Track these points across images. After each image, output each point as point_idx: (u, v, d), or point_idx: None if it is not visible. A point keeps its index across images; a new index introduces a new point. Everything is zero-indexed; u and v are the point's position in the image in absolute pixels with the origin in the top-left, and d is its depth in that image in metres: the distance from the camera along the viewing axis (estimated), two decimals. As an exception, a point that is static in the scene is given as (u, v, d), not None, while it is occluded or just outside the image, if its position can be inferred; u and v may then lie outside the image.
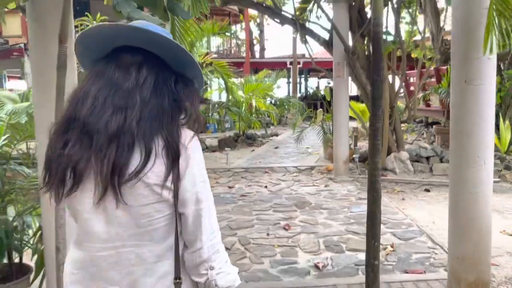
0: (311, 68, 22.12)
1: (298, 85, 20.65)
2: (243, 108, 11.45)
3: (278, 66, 17.64)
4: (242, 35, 18.98)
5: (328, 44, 7.47)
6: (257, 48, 21.22)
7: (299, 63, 18.70)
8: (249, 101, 11.57)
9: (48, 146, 1.01)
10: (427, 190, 6.56)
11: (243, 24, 19.67)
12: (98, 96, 0.97)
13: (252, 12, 21.77)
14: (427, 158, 7.46)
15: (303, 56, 19.28)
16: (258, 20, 19.43)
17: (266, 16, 21.54)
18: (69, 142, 0.96)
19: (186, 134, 1.01)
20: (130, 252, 0.99)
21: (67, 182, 0.97)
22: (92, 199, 0.97)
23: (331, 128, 8.43)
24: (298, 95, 19.87)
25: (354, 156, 7.45)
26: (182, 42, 9.64)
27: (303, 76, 23.30)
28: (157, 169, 0.95)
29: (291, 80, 20.09)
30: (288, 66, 18.38)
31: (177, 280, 1.02)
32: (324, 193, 6.35)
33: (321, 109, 8.48)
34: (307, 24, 7.64)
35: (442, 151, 7.47)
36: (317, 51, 24.49)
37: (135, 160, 0.94)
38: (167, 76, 1.04)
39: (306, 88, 24.50)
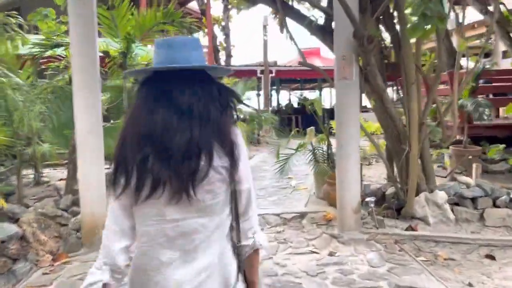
0: (282, 78, 19.76)
1: (270, 97, 18.19)
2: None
3: (246, 75, 15.12)
4: (205, 41, 16.41)
5: (324, 31, 5.01)
6: (222, 55, 18.64)
7: (271, 72, 16.27)
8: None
9: (122, 153, 1.25)
10: (490, 257, 4.11)
11: (206, 28, 17.15)
12: (166, 117, 1.22)
13: (216, 13, 19.26)
14: (473, 199, 5.04)
15: (275, 64, 16.88)
16: (223, 23, 16.94)
17: (231, 18, 19.14)
18: (149, 157, 1.21)
19: (235, 131, 1.32)
20: (195, 222, 1.26)
21: (146, 188, 1.22)
22: (165, 203, 1.24)
23: (327, 155, 5.90)
24: (270, 108, 17.45)
25: (368, 199, 4.92)
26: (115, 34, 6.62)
27: (274, 87, 20.90)
28: (220, 158, 1.25)
29: (261, 92, 17.64)
30: (259, 75, 15.90)
31: (238, 243, 1.37)
32: (331, 270, 3.78)
33: (312, 128, 5.84)
34: (291, 2, 5.14)
35: (493, 188, 5.06)
36: (290, 59, 22.32)
37: (203, 162, 1.21)
38: (213, 88, 1.31)
39: (278, 101, 22.10)
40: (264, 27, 15.22)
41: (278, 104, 21.87)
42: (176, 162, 1.20)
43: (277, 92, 21.95)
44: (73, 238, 4.41)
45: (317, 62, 19.21)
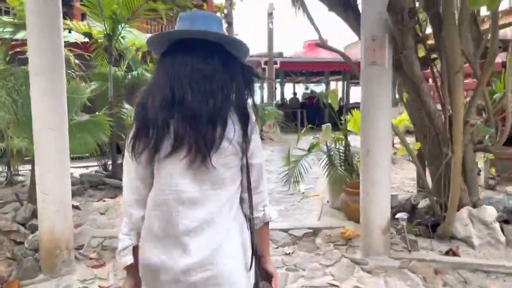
0: (288, 71, 18.78)
1: (274, 90, 17.24)
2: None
3: (250, 66, 14.16)
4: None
5: (346, 6, 4.05)
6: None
7: (275, 63, 15.29)
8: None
9: (143, 115, 1.27)
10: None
11: (208, 15, 16.21)
12: (191, 82, 1.25)
13: (218, 0, 18.23)
14: (526, 216, 4.10)
15: (280, 55, 15.88)
16: (225, 11, 15.94)
17: (235, 6, 18.10)
18: (173, 117, 1.24)
19: (250, 110, 1.33)
20: (210, 194, 1.29)
21: (166, 148, 1.25)
22: (184, 162, 1.26)
23: (345, 157, 4.96)
24: (274, 102, 16.48)
25: (399, 215, 3.98)
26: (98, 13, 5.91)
27: (278, 80, 19.91)
28: (235, 131, 1.28)
29: (265, 84, 16.67)
30: (263, 66, 14.92)
31: (251, 216, 1.39)
32: (358, 315, 2.86)
33: (328, 124, 4.87)
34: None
35: (552, 203, 4.11)
36: (297, 51, 21.31)
37: (219, 130, 1.24)
38: (232, 62, 1.34)
39: (282, 94, 21.12)
40: (270, 14, 14.22)
41: (283, 97, 20.88)
42: (198, 123, 1.23)
43: (282, 85, 20.97)
44: (30, 260, 3.50)
45: (323, 55, 18.24)
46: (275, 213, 1.46)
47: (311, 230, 4.32)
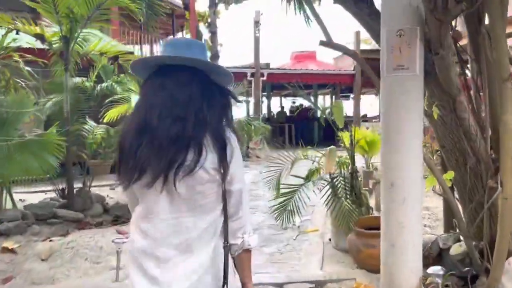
0: (275, 83, 17.92)
1: (260, 104, 16.31)
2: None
3: (235, 78, 13.19)
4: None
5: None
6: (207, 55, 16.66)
7: (262, 75, 14.40)
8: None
9: (123, 143, 1.31)
10: None
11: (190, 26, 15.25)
12: (162, 109, 1.26)
13: (201, 8, 17.34)
14: None
15: (267, 66, 15.00)
16: (209, 19, 15.02)
17: (219, 14, 17.22)
18: (142, 145, 1.25)
19: (229, 132, 1.33)
20: (188, 221, 1.29)
21: (136, 174, 1.26)
22: (154, 188, 1.26)
23: (351, 187, 3.99)
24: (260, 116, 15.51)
25: (432, 270, 3.00)
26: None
27: (265, 93, 19.01)
28: (210, 158, 1.26)
29: (250, 98, 15.72)
30: (249, 78, 14.00)
31: (226, 244, 1.35)
32: None
33: (333, 147, 3.86)
34: None
35: None
36: (284, 63, 20.47)
37: (190, 156, 1.23)
38: (211, 88, 1.34)
39: (269, 108, 20.22)
40: (256, 22, 13.38)
41: (270, 111, 19.98)
42: (161, 148, 1.23)
43: (268, 98, 20.08)
44: None
45: (312, 67, 17.46)
46: (255, 241, 1.41)
47: (313, 285, 3.32)
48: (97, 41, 5.64)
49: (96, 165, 8.72)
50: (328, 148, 3.90)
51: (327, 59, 20.00)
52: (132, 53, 7.18)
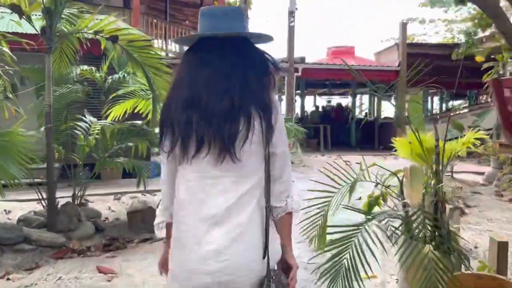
0: (309, 80, 16.50)
1: (293, 103, 14.95)
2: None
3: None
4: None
5: None
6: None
7: (296, 70, 13.02)
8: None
9: (167, 115, 1.35)
10: None
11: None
12: (208, 83, 1.29)
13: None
14: None
15: (302, 60, 13.60)
16: (239, 10, 13.86)
17: (251, 5, 15.92)
18: (193, 118, 1.29)
19: (273, 97, 1.35)
20: (232, 182, 1.31)
21: (191, 148, 1.30)
22: (208, 160, 1.30)
23: (434, 226, 2.57)
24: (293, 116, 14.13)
25: None
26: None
27: (298, 91, 17.61)
28: (257, 123, 1.29)
29: (283, 96, 14.37)
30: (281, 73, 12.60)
31: (268, 205, 1.35)
32: None
33: (416, 165, 2.44)
34: None
35: None
36: (320, 58, 18.98)
37: (241, 125, 1.27)
38: (253, 56, 1.36)
39: (302, 107, 18.79)
40: (291, 13, 12.01)
41: (303, 111, 18.56)
42: (218, 124, 1.26)
43: (302, 96, 18.66)
44: None
45: (350, 63, 15.92)
46: (298, 205, 1.46)
47: None
48: (90, 16, 4.45)
49: (106, 168, 7.64)
50: (409, 165, 2.50)
51: (367, 54, 18.41)
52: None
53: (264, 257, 1.30)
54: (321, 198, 2.53)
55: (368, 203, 2.66)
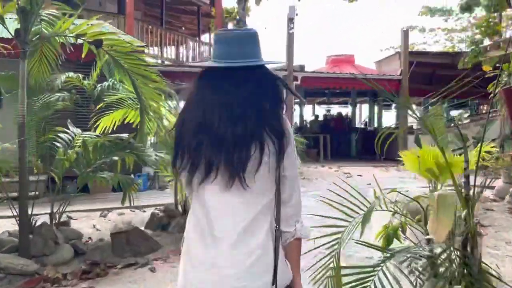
0: (309, 89, 16.14)
1: (292, 112, 14.57)
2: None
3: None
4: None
5: None
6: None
7: (296, 78, 12.63)
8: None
9: (180, 137, 1.35)
10: None
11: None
12: (222, 109, 1.29)
13: (229, 5, 15.77)
14: None
15: (302, 69, 13.23)
16: (238, 16, 13.43)
17: (249, 12, 15.58)
18: (203, 143, 1.29)
19: (284, 119, 1.35)
20: (243, 204, 1.30)
21: (201, 173, 1.30)
22: (219, 186, 1.29)
23: (464, 265, 2.15)
24: (293, 125, 13.69)
25: None
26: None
27: (297, 99, 17.21)
28: (269, 148, 1.28)
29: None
30: (280, 82, 12.20)
31: (277, 228, 1.34)
32: None
33: (448, 192, 2.02)
34: None
35: None
36: (319, 67, 18.66)
37: (253, 151, 1.26)
38: (267, 82, 1.36)
39: (301, 116, 18.42)
40: (290, 19, 11.65)
41: (302, 120, 18.17)
42: (228, 149, 1.27)
43: (301, 105, 18.29)
44: None
45: (350, 71, 15.58)
46: (307, 232, 1.42)
47: None
48: (71, 19, 4.05)
49: (95, 181, 7.19)
50: (437, 192, 2.08)
51: (367, 63, 18.08)
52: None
53: (273, 284, 1.29)
54: (329, 235, 2.09)
55: (386, 236, 2.23)
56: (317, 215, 2.24)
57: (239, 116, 1.28)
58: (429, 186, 5.92)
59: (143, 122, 4.52)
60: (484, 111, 24.55)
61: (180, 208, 5.31)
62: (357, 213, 2.14)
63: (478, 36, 10.32)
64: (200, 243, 1.31)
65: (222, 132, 1.27)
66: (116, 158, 4.34)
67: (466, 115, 22.25)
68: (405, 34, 13.50)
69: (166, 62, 12.90)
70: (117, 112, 5.56)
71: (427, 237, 2.14)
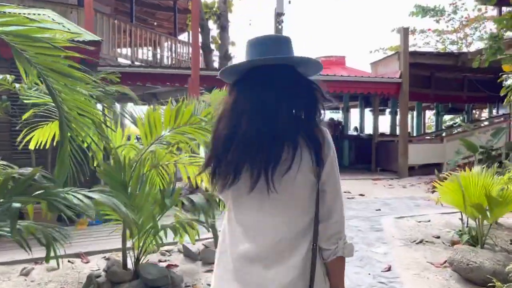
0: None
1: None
2: (139, 176, 3.64)
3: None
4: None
5: None
6: (216, 55, 13.31)
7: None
8: (161, 157, 3.76)
9: (214, 146, 1.34)
10: None
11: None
12: (252, 113, 1.27)
13: (208, -1, 14.19)
14: None
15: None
16: (218, 12, 11.85)
17: (231, 6, 13.96)
18: (231, 148, 1.27)
19: (322, 129, 1.32)
20: (281, 222, 1.27)
21: (230, 177, 1.28)
22: (247, 189, 1.27)
23: None
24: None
25: None
26: None
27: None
28: (306, 157, 1.25)
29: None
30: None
31: (314, 246, 1.29)
32: None
33: None
34: None
35: None
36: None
37: (285, 155, 1.23)
38: (300, 84, 1.33)
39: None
40: (278, 14, 10.18)
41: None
42: (255, 150, 1.24)
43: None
44: None
45: (342, 74, 14.20)
46: (350, 250, 1.34)
47: None
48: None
49: (37, 210, 5.55)
50: None
51: (359, 65, 16.78)
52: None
53: None
54: None
55: None
56: None
57: (269, 117, 1.26)
58: (461, 218, 4.62)
59: (64, 145, 2.90)
60: (477, 116, 23.55)
61: (131, 264, 3.70)
62: None
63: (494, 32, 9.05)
64: (236, 262, 1.29)
65: (249, 133, 1.25)
66: (17, 204, 2.71)
67: (458, 120, 21.21)
68: (405, 32, 12.13)
69: (136, 63, 11.25)
70: (54, 123, 3.96)
71: None
